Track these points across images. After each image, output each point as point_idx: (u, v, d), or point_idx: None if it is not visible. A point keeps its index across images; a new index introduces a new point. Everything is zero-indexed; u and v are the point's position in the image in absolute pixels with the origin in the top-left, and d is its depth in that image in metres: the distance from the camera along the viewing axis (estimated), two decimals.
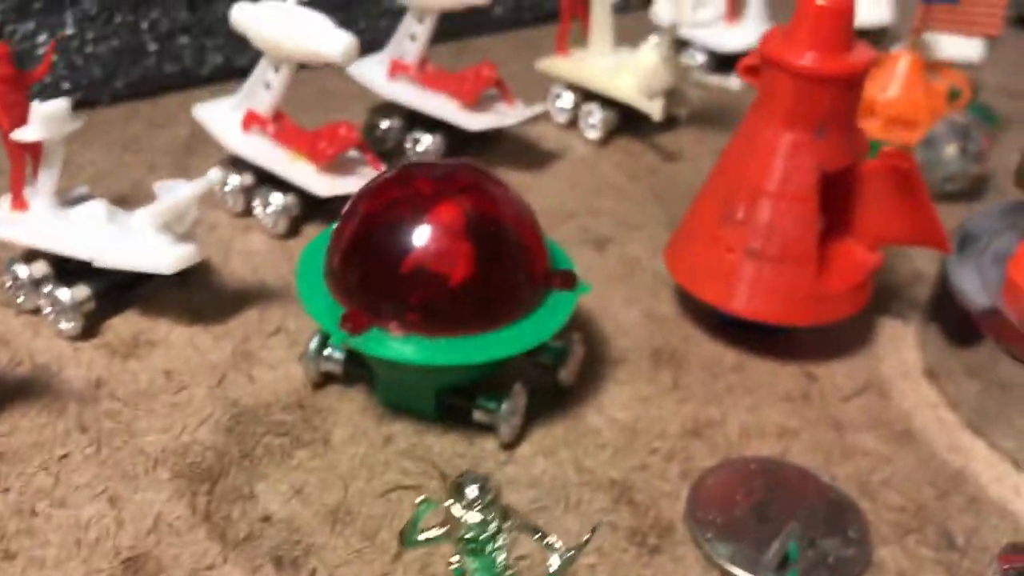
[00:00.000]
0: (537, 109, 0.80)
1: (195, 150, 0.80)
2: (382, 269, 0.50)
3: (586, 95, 0.86)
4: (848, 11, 0.54)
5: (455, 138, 0.80)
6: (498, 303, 0.51)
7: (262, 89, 0.70)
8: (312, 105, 0.89)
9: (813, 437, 0.56)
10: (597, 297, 0.66)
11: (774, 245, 0.57)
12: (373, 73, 0.81)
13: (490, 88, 0.79)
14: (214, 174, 0.55)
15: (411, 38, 0.79)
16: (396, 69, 0.80)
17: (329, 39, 0.64)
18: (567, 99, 0.87)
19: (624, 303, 0.66)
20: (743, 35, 0.96)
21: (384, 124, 0.80)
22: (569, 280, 0.54)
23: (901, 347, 0.64)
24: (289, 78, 0.69)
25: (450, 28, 1.04)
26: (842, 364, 0.62)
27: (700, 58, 0.98)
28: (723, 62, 0.99)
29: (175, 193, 0.55)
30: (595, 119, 0.85)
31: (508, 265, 0.52)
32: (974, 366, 0.57)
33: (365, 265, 0.51)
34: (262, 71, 0.69)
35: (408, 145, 0.79)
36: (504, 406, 0.52)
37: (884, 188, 0.58)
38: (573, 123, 0.88)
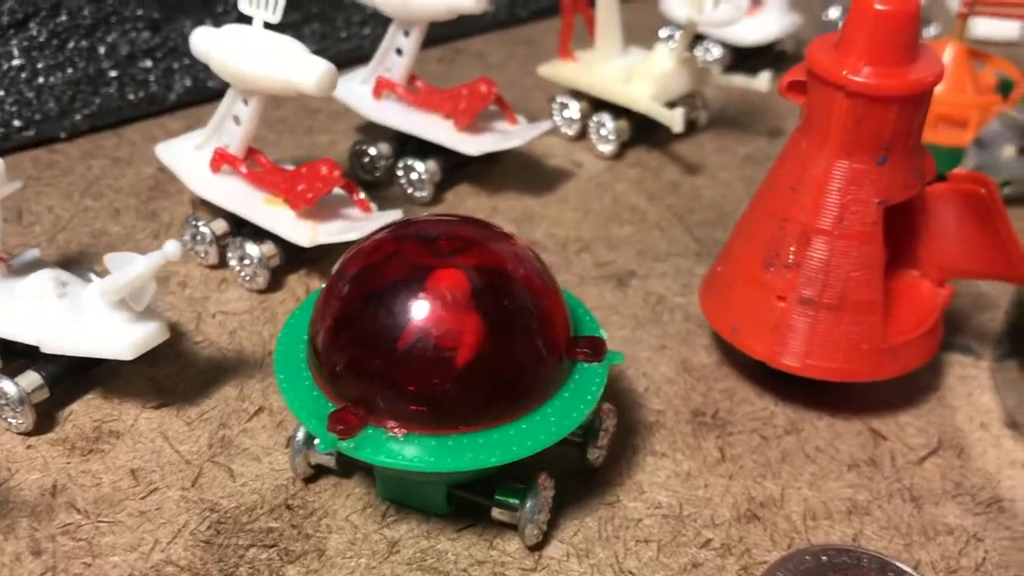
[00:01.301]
0: (544, 126, 0.72)
1: (163, 191, 0.71)
2: (374, 350, 0.42)
3: (595, 104, 0.78)
4: (913, 16, 0.45)
5: (449, 161, 0.71)
6: (515, 386, 0.43)
7: (231, 124, 0.61)
8: (294, 126, 0.81)
9: (887, 514, 0.48)
10: (624, 345, 0.58)
11: (832, 291, 0.49)
12: (357, 92, 0.73)
13: (489, 105, 0.70)
14: (171, 248, 0.46)
15: (397, 52, 0.71)
16: (382, 87, 0.72)
17: (302, 68, 0.55)
18: (574, 109, 0.79)
19: (654, 352, 0.58)
20: (764, 27, 0.88)
21: (372, 151, 0.71)
22: (598, 349, 0.46)
23: (974, 391, 0.56)
24: (260, 111, 0.60)
25: (437, 31, 0.96)
26: (910, 416, 0.54)
27: (716, 52, 0.89)
28: (742, 56, 0.90)
29: (129, 267, 0.47)
30: (607, 130, 0.76)
31: (524, 338, 0.44)
32: None
33: (353, 345, 0.43)
34: (229, 104, 0.61)
35: (400, 173, 0.71)
36: (528, 504, 0.44)
37: (956, 215, 0.50)
38: (582, 135, 0.79)
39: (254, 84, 0.58)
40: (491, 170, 0.75)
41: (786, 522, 0.47)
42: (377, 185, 0.73)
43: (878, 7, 0.45)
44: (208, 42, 0.59)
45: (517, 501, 0.45)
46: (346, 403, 0.42)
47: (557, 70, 0.79)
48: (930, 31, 0.98)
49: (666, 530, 0.47)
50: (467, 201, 0.72)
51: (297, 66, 0.55)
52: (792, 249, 0.50)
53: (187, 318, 0.59)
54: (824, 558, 0.45)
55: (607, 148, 0.77)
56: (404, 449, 0.41)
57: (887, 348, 0.50)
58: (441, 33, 0.97)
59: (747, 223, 0.53)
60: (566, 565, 0.45)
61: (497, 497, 0.45)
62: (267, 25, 0.58)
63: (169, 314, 0.59)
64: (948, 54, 0.73)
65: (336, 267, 0.46)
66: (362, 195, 0.61)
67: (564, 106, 0.79)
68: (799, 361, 0.50)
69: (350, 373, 0.43)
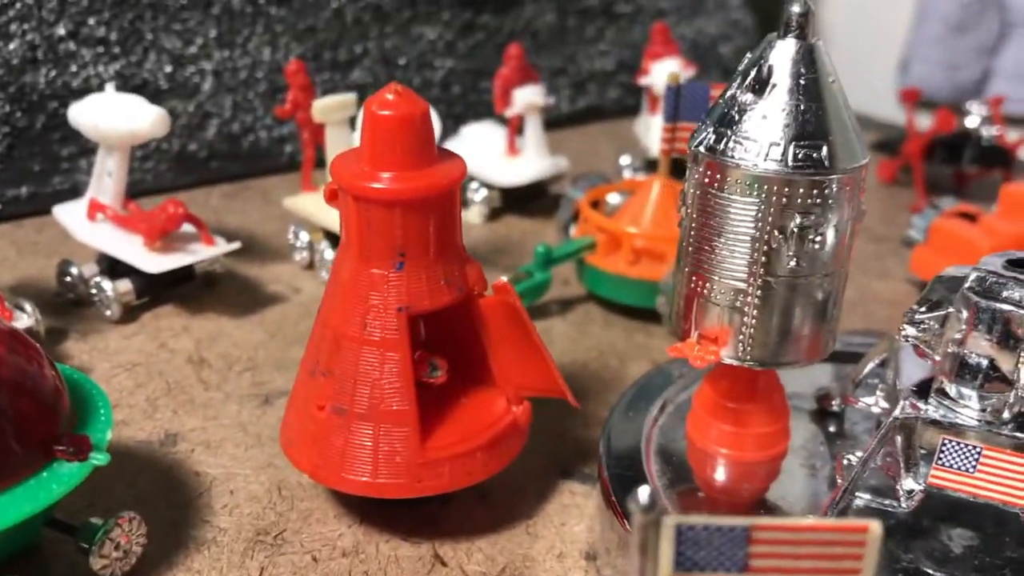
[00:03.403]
0: (227, 247, 0.72)
1: None
2: None
3: (329, 234, 0.79)
4: (411, 121, 0.45)
5: (154, 282, 0.72)
6: None
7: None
8: (46, 248, 0.82)
9: None
10: (231, 461, 0.56)
11: (362, 400, 0.47)
12: (74, 214, 0.74)
13: (185, 225, 0.71)
14: None
15: (108, 175, 0.72)
16: (94, 210, 0.73)
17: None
18: (304, 238, 0.79)
19: (256, 470, 0.56)
20: (522, 170, 0.89)
21: (73, 270, 0.72)
22: (81, 448, 0.44)
23: (570, 520, 0.53)
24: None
25: (230, 168, 0.99)
26: (486, 543, 0.51)
27: (483, 193, 0.90)
28: (508, 196, 0.91)
29: None
30: (328, 258, 0.77)
31: None
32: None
33: None
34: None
35: (93, 292, 0.71)
36: None
37: (499, 327, 0.49)
38: (311, 264, 0.80)
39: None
40: (206, 292, 0.76)
41: None
42: (79, 303, 0.73)
43: (379, 111, 0.45)
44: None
45: None
46: None
47: (295, 201, 0.80)
48: (625, 160, 0.99)
49: None
50: (160, 320, 0.72)
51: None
52: (325, 355, 0.48)
53: None
54: None
55: (327, 276, 0.77)
56: None
57: (425, 462, 0.48)
58: (234, 171, 1.00)
59: (311, 335, 0.52)
60: None
61: None
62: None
63: None
64: (655, 191, 0.73)
65: None
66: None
67: (296, 235, 0.80)
68: (332, 475, 0.48)
69: None
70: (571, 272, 0.78)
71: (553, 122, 1.17)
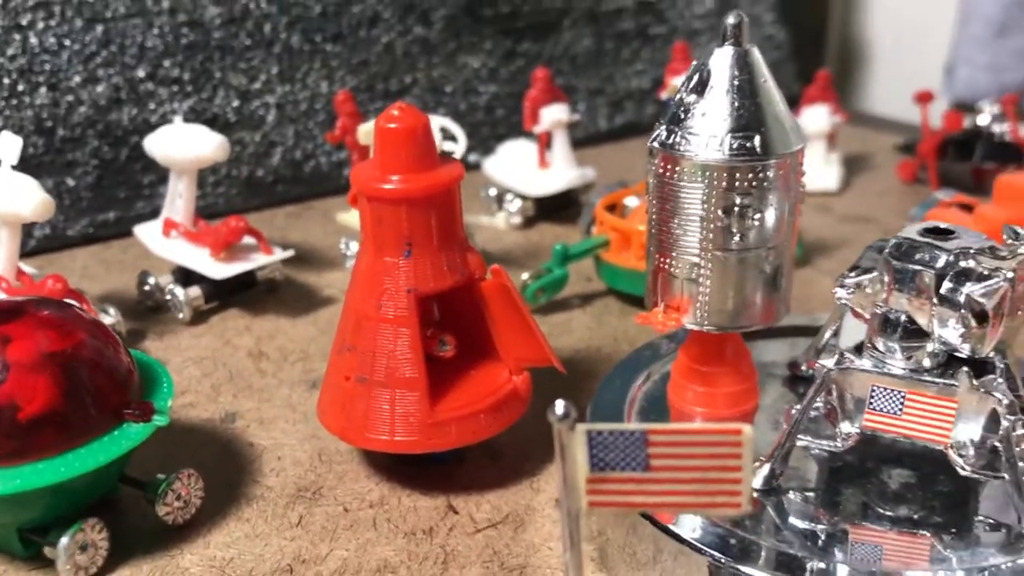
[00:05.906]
0: (284, 254, 0.82)
1: None
2: None
3: None
4: (413, 132, 0.54)
5: (220, 288, 0.82)
6: (47, 435, 0.51)
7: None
8: (129, 266, 0.92)
9: (412, 573, 0.52)
10: (281, 434, 0.65)
11: (380, 370, 0.56)
12: (151, 232, 0.84)
13: (245, 238, 0.81)
14: None
15: (179, 196, 0.83)
16: (168, 227, 0.83)
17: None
18: (352, 247, 0.88)
19: (302, 440, 0.64)
20: (554, 180, 0.96)
21: (151, 280, 0.82)
22: (145, 412, 0.53)
23: None
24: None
25: (293, 190, 1.09)
26: (494, 496, 0.58)
27: (517, 203, 0.98)
28: (541, 205, 0.99)
29: None
30: None
31: (74, 399, 0.52)
32: None
33: None
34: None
35: (168, 298, 0.81)
36: (61, 542, 0.51)
37: (497, 307, 0.57)
38: None
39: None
40: (267, 297, 0.85)
41: None
42: (157, 308, 0.83)
43: (386, 125, 0.54)
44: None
45: (56, 540, 0.51)
46: None
47: (345, 216, 0.90)
48: None
49: None
50: (226, 321, 0.81)
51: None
52: (350, 333, 0.57)
53: None
54: None
55: None
56: None
57: (435, 423, 0.56)
58: (298, 193, 1.10)
59: (340, 319, 0.60)
60: None
61: (48, 537, 0.52)
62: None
63: None
64: None
65: None
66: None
67: (347, 245, 0.89)
68: (358, 435, 0.57)
69: None
70: (593, 270, 0.85)
71: (592, 138, 1.25)
